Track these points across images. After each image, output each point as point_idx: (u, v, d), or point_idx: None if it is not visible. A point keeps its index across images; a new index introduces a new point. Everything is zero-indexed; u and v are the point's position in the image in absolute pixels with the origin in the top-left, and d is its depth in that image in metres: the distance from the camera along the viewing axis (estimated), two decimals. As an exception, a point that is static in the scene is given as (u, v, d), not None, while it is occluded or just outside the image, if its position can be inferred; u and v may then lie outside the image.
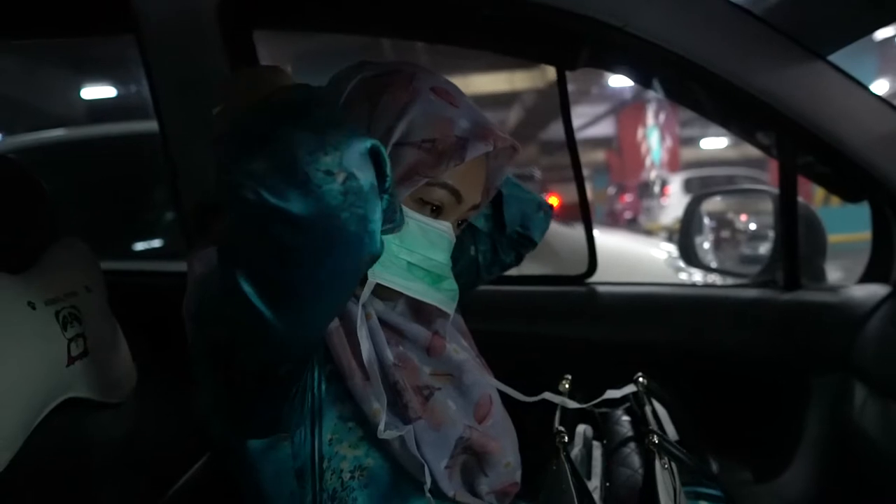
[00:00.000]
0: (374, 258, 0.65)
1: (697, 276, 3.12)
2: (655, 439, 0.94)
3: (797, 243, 1.44)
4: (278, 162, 0.58)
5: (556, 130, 14.78)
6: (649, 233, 10.83)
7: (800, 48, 1.22)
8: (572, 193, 1.70)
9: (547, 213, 1.09)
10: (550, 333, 1.56)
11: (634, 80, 1.59)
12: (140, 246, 2.96)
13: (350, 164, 0.59)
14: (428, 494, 0.77)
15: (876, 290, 1.35)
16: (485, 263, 1.09)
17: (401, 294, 0.79)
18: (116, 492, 0.94)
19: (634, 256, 3.48)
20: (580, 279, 1.64)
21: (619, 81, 11.70)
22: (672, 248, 3.67)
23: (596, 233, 1.71)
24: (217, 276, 0.66)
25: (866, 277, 1.47)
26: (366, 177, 0.60)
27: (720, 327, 1.48)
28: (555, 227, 3.64)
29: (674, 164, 15.30)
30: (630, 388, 1.08)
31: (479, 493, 0.83)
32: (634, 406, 1.08)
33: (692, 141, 17.48)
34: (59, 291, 0.93)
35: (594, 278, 1.66)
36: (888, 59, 10.26)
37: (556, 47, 1.43)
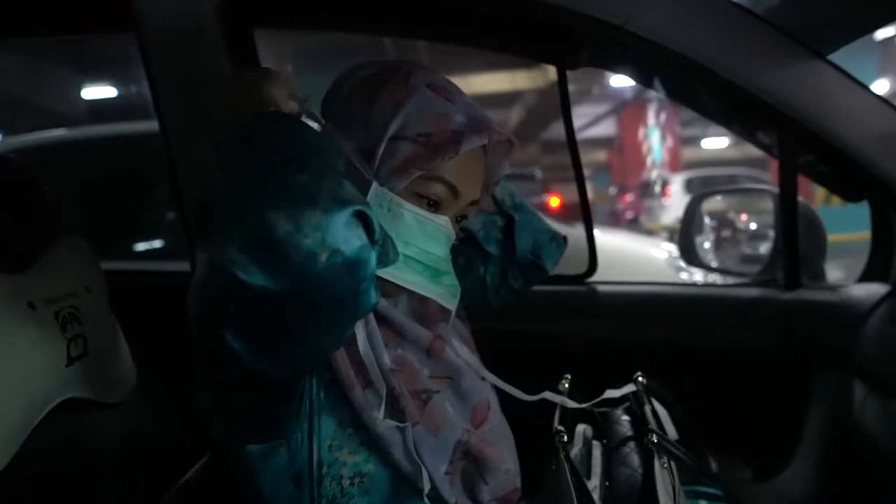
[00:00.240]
0: (369, 308, 0.65)
1: (698, 275, 3.12)
2: (655, 438, 0.95)
3: (797, 243, 1.44)
4: (253, 243, 0.56)
5: (557, 130, 14.77)
6: (650, 233, 10.83)
7: (800, 47, 1.22)
8: (573, 193, 1.70)
9: (560, 245, 1.08)
10: (550, 333, 1.56)
11: (635, 80, 1.59)
12: (140, 246, 2.96)
13: (334, 240, 0.57)
14: (427, 501, 0.77)
15: (876, 289, 1.35)
16: (493, 285, 1.08)
17: (402, 290, 0.79)
18: (116, 492, 0.94)
19: (635, 256, 3.48)
20: (581, 279, 1.64)
21: (619, 81, 11.69)
22: (673, 248, 3.67)
23: (597, 232, 1.71)
24: (205, 323, 0.66)
25: (866, 276, 1.47)
26: (352, 246, 0.58)
27: (721, 326, 1.48)
28: (555, 227, 3.63)
29: (675, 164, 15.30)
30: (630, 388, 1.08)
31: (480, 501, 0.83)
32: (634, 405, 1.09)
33: (693, 140, 17.48)
34: (60, 291, 0.93)
35: (595, 278, 1.66)
36: (889, 59, 10.26)
37: (556, 46, 1.43)
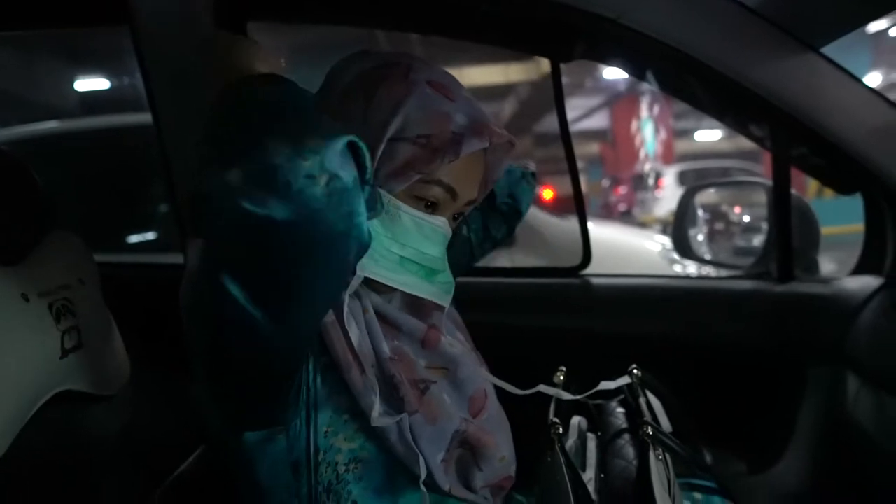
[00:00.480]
0: (365, 249, 0.65)
1: (691, 268, 3.13)
2: (650, 431, 0.95)
3: (790, 235, 1.45)
4: (257, 171, 0.57)
5: (550, 122, 14.74)
6: (643, 225, 10.85)
7: (793, 40, 1.22)
8: (566, 186, 1.71)
9: (530, 182, 1.08)
10: (545, 325, 1.56)
11: (629, 73, 1.59)
12: (133, 238, 2.95)
13: (331, 165, 0.58)
14: (422, 487, 0.77)
15: (869, 282, 1.36)
16: (477, 242, 1.09)
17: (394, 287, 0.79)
18: (111, 484, 0.94)
19: (628, 248, 3.49)
20: (575, 271, 1.64)
21: (613, 74, 11.68)
22: (666, 241, 3.68)
23: (590, 225, 1.71)
24: (203, 276, 0.65)
25: (859, 269, 1.47)
26: (348, 174, 0.60)
27: (714, 319, 1.49)
28: (549, 220, 3.66)
29: (668, 157, 15.32)
30: (624, 380, 1.08)
31: (473, 488, 0.83)
32: (629, 398, 1.09)
33: (686, 133, 17.51)
34: (53, 284, 0.92)
35: (588, 270, 1.67)
36: (881, 52, 10.29)
37: (550, 40, 1.43)
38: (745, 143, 1.60)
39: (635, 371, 1.10)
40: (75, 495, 0.89)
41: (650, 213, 12.27)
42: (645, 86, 10.50)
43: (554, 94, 1.54)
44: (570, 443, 1.04)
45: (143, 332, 1.16)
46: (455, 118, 0.77)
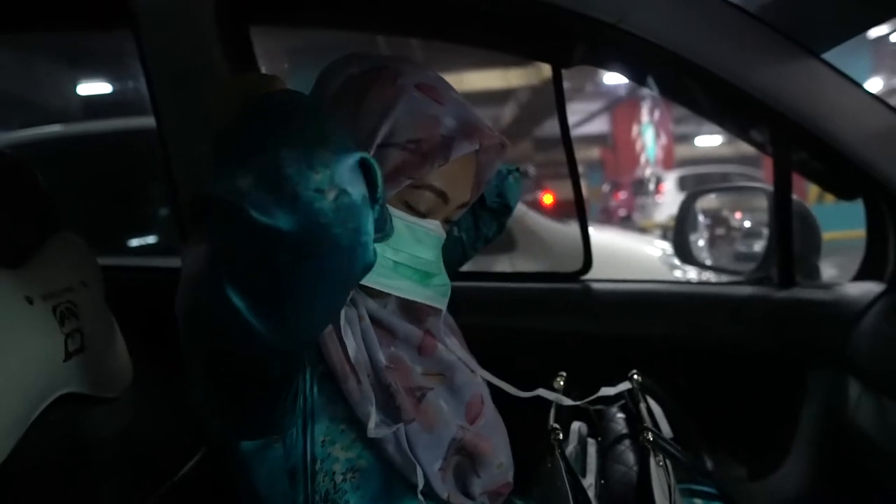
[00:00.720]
0: (369, 267, 0.64)
1: (692, 273, 3.13)
2: (650, 436, 0.95)
3: (791, 240, 1.44)
4: (266, 179, 0.57)
5: (550, 127, 14.78)
6: (643, 230, 10.86)
7: (794, 46, 1.22)
8: (566, 190, 1.71)
9: (517, 179, 1.08)
10: (545, 330, 1.56)
11: (629, 78, 1.59)
12: (134, 242, 2.96)
13: (341, 180, 0.58)
14: (420, 496, 0.77)
15: (870, 288, 1.35)
16: (469, 241, 1.09)
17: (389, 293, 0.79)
18: (113, 487, 0.94)
19: (629, 254, 3.49)
20: (575, 276, 1.64)
21: (613, 78, 11.71)
22: (666, 246, 3.69)
23: (590, 230, 1.71)
24: (205, 284, 0.65)
25: (861, 275, 1.47)
26: (357, 190, 0.59)
27: (715, 324, 1.49)
28: (549, 224, 3.66)
29: (668, 162, 15.34)
30: (625, 386, 1.08)
31: (471, 494, 0.83)
32: (629, 403, 1.09)
33: (687, 138, 17.54)
34: (57, 286, 0.92)
35: (589, 275, 1.67)
36: (882, 57, 10.31)
37: (551, 45, 1.44)
38: (746, 149, 1.61)
39: (636, 376, 1.10)
40: (77, 498, 0.89)
41: (650, 218, 12.28)
42: (645, 91, 10.54)
43: (555, 100, 1.55)
44: (571, 448, 1.04)
45: (145, 334, 1.16)
46: (444, 121, 0.76)
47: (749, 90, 1.25)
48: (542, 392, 0.95)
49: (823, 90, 1.24)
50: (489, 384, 0.92)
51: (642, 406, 1.04)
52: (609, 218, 14.26)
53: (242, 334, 0.62)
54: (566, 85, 1.55)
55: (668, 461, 0.94)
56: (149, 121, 2.72)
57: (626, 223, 12.92)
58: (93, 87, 9.01)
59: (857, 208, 1.44)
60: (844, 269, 1.61)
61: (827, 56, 1.24)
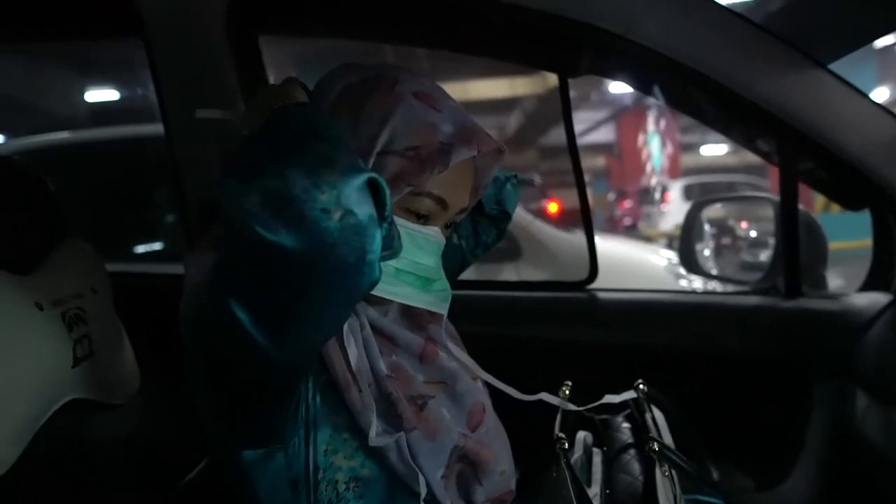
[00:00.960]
0: (374, 284, 0.65)
1: (697, 283, 3.12)
2: (656, 446, 0.95)
3: (798, 250, 1.44)
4: (273, 198, 0.58)
5: (555, 135, 14.80)
6: (649, 239, 10.84)
7: (800, 56, 1.23)
8: (572, 199, 1.70)
9: (515, 185, 1.09)
10: (551, 339, 1.56)
11: (636, 87, 1.60)
12: (140, 249, 2.97)
13: (347, 200, 0.58)
14: None
15: (877, 299, 1.35)
16: (468, 248, 1.09)
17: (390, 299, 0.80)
18: (118, 493, 0.95)
19: (634, 263, 3.49)
20: (581, 285, 1.64)
21: (618, 87, 11.73)
22: (672, 255, 3.68)
23: (596, 239, 1.71)
24: (210, 295, 0.66)
25: (867, 285, 1.47)
26: (363, 211, 0.60)
27: (722, 334, 1.48)
28: (555, 233, 3.66)
29: (674, 171, 15.33)
30: (629, 394, 1.08)
31: (474, 502, 0.83)
32: (635, 413, 1.09)
33: (692, 147, 17.52)
34: (66, 293, 0.93)
35: (595, 284, 1.67)
36: (888, 67, 10.30)
37: (558, 54, 1.44)
38: (751, 158, 1.60)
39: (641, 386, 1.10)
40: (83, 503, 0.89)
41: (655, 227, 12.26)
42: (651, 100, 10.55)
43: (562, 109, 1.55)
44: (576, 457, 1.04)
45: (152, 341, 1.16)
46: (442, 128, 0.77)
47: (755, 100, 1.25)
48: (545, 396, 0.95)
49: (829, 100, 1.24)
50: (491, 392, 0.92)
51: (648, 416, 1.04)
52: (614, 227, 14.23)
53: (245, 346, 0.63)
54: (572, 94, 1.56)
55: (673, 471, 0.93)
56: (153, 128, 2.76)
57: (632, 232, 12.90)
58: (99, 94, 9.06)
59: (863, 218, 1.44)
60: (851, 280, 1.61)
61: (833, 66, 1.24)
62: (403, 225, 0.78)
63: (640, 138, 15.91)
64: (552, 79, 1.54)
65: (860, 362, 1.26)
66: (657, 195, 12.96)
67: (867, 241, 1.46)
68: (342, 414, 0.77)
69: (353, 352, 0.78)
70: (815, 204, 7.06)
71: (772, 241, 1.64)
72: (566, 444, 0.95)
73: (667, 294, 1.74)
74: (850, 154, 1.25)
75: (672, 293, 1.91)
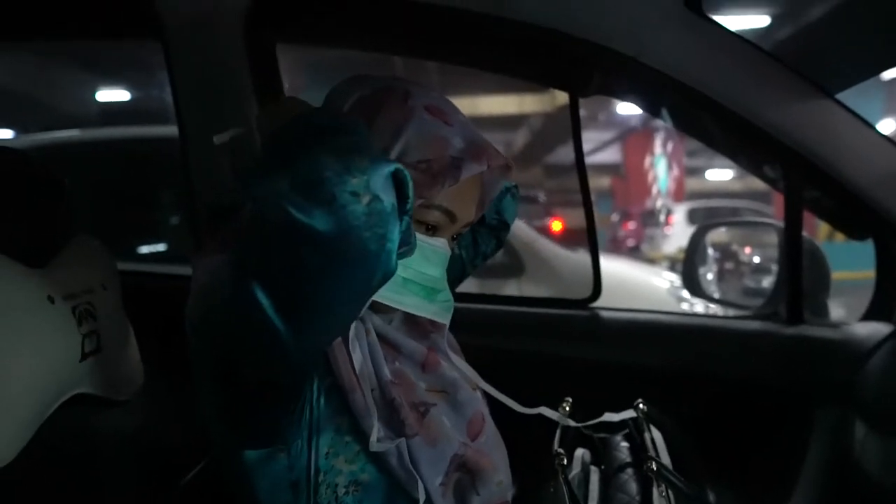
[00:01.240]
0: (388, 277, 0.67)
1: (699, 306, 3.12)
2: (654, 466, 0.95)
3: (801, 277, 1.45)
4: (306, 181, 0.60)
5: (561, 154, 14.85)
6: (651, 261, 10.83)
7: (808, 85, 1.24)
8: (576, 217, 1.71)
9: (514, 195, 1.11)
10: (553, 355, 1.57)
11: (645, 109, 1.61)
12: (143, 249, 2.98)
13: (375, 186, 0.61)
14: None
15: (879, 329, 1.35)
16: (468, 258, 1.10)
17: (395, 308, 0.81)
18: (119, 489, 0.95)
19: (637, 284, 3.49)
20: (584, 303, 1.65)
21: (625, 108, 11.77)
22: (674, 278, 3.69)
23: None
24: (227, 285, 0.67)
25: (869, 315, 1.47)
26: (389, 199, 0.62)
27: (723, 357, 1.48)
28: (558, 251, 3.67)
29: (679, 194, 15.34)
30: (629, 413, 1.08)
31: None
32: (634, 432, 1.09)
33: (697, 171, 17.57)
34: (77, 287, 0.94)
35: (598, 303, 1.67)
36: (894, 99, 10.33)
37: (570, 73, 1.45)
38: (756, 184, 1.61)
39: (641, 405, 1.10)
40: (83, 498, 0.90)
41: (659, 249, 12.25)
42: (658, 122, 10.58)
43: (571, 128, 1.56)
44: (573, 474, 1.04)
45: (157, 340, 1.17)
46: (453, 143, 0.78)
47: (762, 126, 1.27)
48: (544, 411, 0.96)
49: (836, 130, 1.26)
50: (491, 404, 0.93)
51: (647, 436, 1.04)
52: (617, 247, 14.22)
53: (262, 334, 0.64)
54: (580, 113, 1.56)
55: (670, 492, 0.93)
56: (158, 129, 2.77)
57: (635, 253, 12.89)
58: (109, 94, 9.13)
59: (867, 248, 1.45)
60: (852, 310, 1.61)
61: (840, 96, 1.25)
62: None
63: (647, 160, 15.93)
64: (560, 97, 1.56)
65: (860, 391, 1.26)
66: (661, 217, 12.97)
67: (870, 273, 1.46)
68: (345, 417, 0.78)
69: (359, 356, 0.79)
70: (819, 232, 7.07)
71: (775, 267, 1.65)
72: (565, 460, 0.95)
73: (669, 315, 1.74)
74: (855, 184, 1.26)
75: (674, 315, 1.91)
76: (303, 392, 0.77)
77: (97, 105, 8.96)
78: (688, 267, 2.02)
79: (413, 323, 0.88)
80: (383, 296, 0.78)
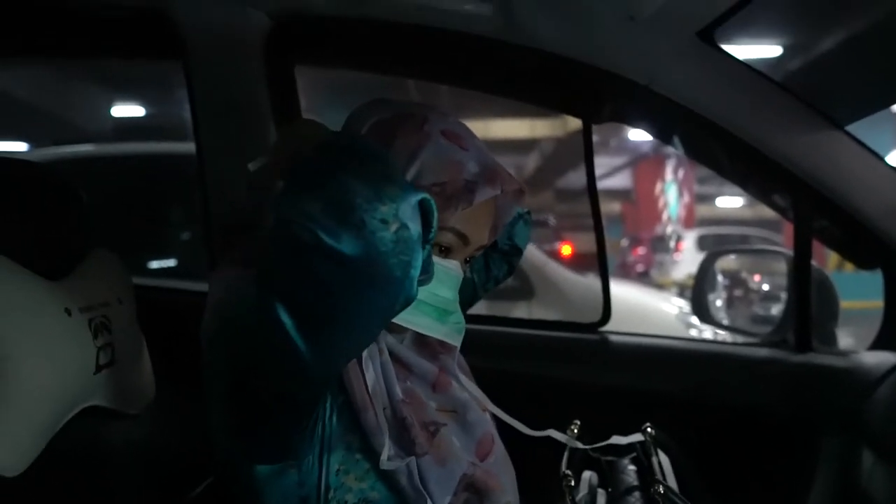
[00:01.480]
0: (409, 302, 0.68)
1: (707, 332, 3.12)
2: (661, 489, 0.95)
3: (809, 306, 1.45)
4: (337, 205, 0.61)
5: (572, 179, 14.87)
6: (660, 287, 10.79)
7: (819, 116, 1.25)
8: (585, 242, 1.72)
9: (527, 221, 1.11)
10: (561, 378, 1.57)
11: (656, 137, 1.62)
12: (154, 264, 3.00)
13: (404, 215, 0.62)
14: None
15: (887, 358, 1.35)
16: (480, 282, 1.11)
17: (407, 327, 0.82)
18: (129, 501, 0.95)
19: (646, 309, 3.48)
20: (594, 327, 1.65)
21: (636, 135, 11.79)
22: (683, 304, 3.68)
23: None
24: (248, 302, 0.67)
25: (877, 344, 1.47)
26: (416, 227, 0.64)
27: (731, 383, 1.48)
28: (567, 275, 3.67)
29: (689, 221, 15.30)
30: (636, 437, 1.08)
31: None
32: (641, 456, 1.09)
33: (708, 198, 17.53)
34: (94, 300, 0.95)
35: (607, 327, 1.67)
36: (904, 132, 10.30)
37: (583, 100, 1.47)
38: (766, 212, 1.61)
39: (649, 429, 1.10)
40: None
41: (668, 275, 12.20)
42: (669, 149, 10.57)
43: (584, 154, 1.57)
44: (580, 496, 1.04)
45: (168, 355, 1.18)
46: (468, 167, 0.80)
47: (772, 156, 1.28)
48: (552, 433, 0.96)
49: (846, 161, 1.26)
50: (499, 426, 0.93)
51: (654, 459, 1.04)
52: (627, 272, 14.17)
53: (283, 354, 0.65)
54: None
55: (676, 516, 0.93)
56: (173, 146, 2.79)
57: (644, 279, 12.84)
58: (124, 110, 9.22)
59: (875, 278, 1.45)
60: (861, 340, 1.60)
61: (850, 128, 1.26)
62: None
63: (658, 186, 15.93)
64: (571, 122, 1.58)
65: (868, 420, 1.25)
66: (671, 244, 12.94)
67: (879, 302, 1.46)
68: (356, 435, 0.79)
69: (371, 375, 0.80)
70: (828, 261, 7.03)
71: (783, 295, 1.65)
72: (572, 482, 0.96)
73: (678, 341, 1.74)
74: (864, 214, 1.27)
75: (683, 340, 1.90)
76: (316, 409, 0.78)
77: (112, 120, 9.06)
78: (697, 293, 2.02)
79: (423, 344, 0.88)
80: (398, 316, 0.79)
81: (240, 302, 0.70)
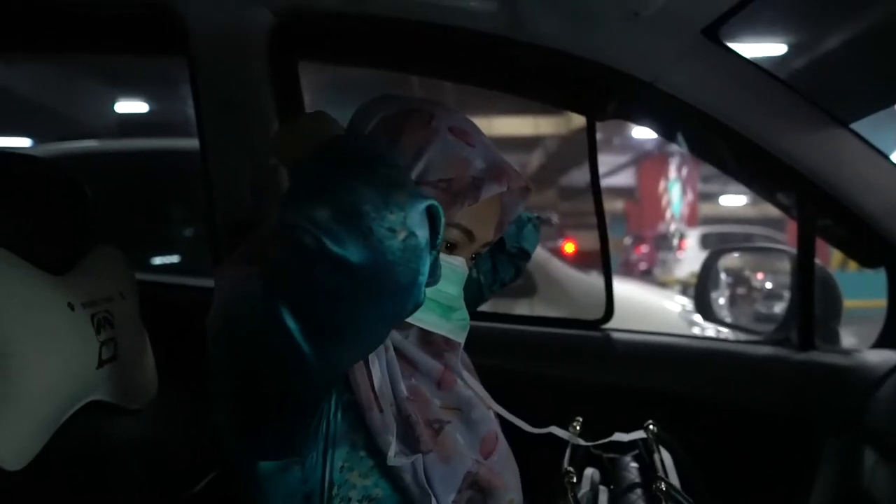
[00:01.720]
0: (417, 308, 0.68)
1: (710, 331, 3.11)
2: (663, 486, 0.95)
3: (813, 304, 1.44)
4: (344, 213, 0.61)
5: (575, 176, 14.87)
6: (664, 285, 10.78)
7: (823, 114, 1.25)
8: (588, 239, 1.72)
9: (535, 225, 1.11)
10: (563, 376, 1.57)
11: (660, 134, 1.62)
12: (157, 260, 3.00)
13: (412, 222, 0.62)
14: None
15: (890, 356, 1.35)
16: (487, 284, 1.11)
17: (413, 323, 0.82)
18: (131, 497, 0.95)
19: (649, 307, 3.49)
20: (596, 324, 1.65)
21: (640, 133, 11.78)
22: (686, 302, 3.68)
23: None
24: (253, 302, 0.67)
25: (880, 343, 1.47)
26: (423, 234, 0.63)
27: (733, 381, 1.48)
28: (570, 273, 3.67)
29: (692, 219, 15.29)
30: (638, 434, 1.08)
31: None
32: (643, 453, 1.09)
33: (711, 196, 17.51)
34: (97, 295, 0.95)
35: (610, 325, 1.67)
36: (911, 130, 10.27)
37: (588, 97, 1.47)
38: (770, 210, 1.61)
39: (651, 427, 1.10)
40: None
41: (671, 273, 12.20)
42: (673, 147, 10.56)
43: (588, 151, 1.57)
44: (582, 493, 1.04)
45: (171, 351, 1.18)
46: (475, 163, 0.80)
47: (776, 154, 1.27)
48: (554, 430, 0.96)
49: (850, 159, 1.26)
50: (502, 423, 0.93)
51: (656, 456, 1.04)
52: (630, 271, 14.17)
53: (288, 356, 0.65)
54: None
55: (678, 513, 0.94)
56: (176, 142, 2.79)
57: (647, 277, 12.83)
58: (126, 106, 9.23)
59: (879, 277, 1.45)
60: (864, 339, 1.60)
61: (855, 126, 1.26)
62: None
63: (661, 184, 15.90)
64: (575, 120, 1.58)
65: (870, 419, 1.25)
66: (674, 242, 12.94)
67: (882, 301, 1.46)
68: (361, 432, 0.79)
69: (377, 373, 0.80)
70: (831, 259, 7.02)
71: (787, 293, 1.64)
72: (574, 479, 0.96)
73: (681, 338, 1.74)
74: (869, 213, 1.26)
75: (686, 338, 1.90)
76: (321, 407, 0.78)
77: (116, 116, 9.06)
78: (700, 291, 2.01)
79: (428, 341, 0.88)
80: None
81: (245, 301, 0.69)
